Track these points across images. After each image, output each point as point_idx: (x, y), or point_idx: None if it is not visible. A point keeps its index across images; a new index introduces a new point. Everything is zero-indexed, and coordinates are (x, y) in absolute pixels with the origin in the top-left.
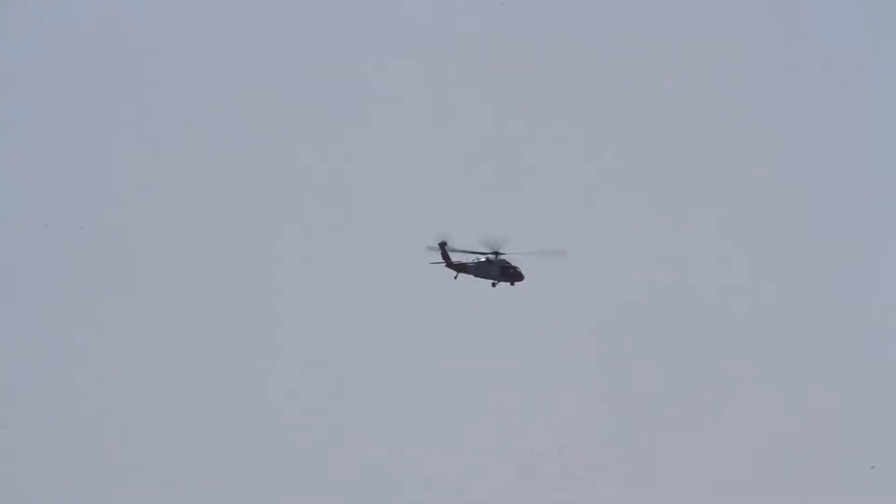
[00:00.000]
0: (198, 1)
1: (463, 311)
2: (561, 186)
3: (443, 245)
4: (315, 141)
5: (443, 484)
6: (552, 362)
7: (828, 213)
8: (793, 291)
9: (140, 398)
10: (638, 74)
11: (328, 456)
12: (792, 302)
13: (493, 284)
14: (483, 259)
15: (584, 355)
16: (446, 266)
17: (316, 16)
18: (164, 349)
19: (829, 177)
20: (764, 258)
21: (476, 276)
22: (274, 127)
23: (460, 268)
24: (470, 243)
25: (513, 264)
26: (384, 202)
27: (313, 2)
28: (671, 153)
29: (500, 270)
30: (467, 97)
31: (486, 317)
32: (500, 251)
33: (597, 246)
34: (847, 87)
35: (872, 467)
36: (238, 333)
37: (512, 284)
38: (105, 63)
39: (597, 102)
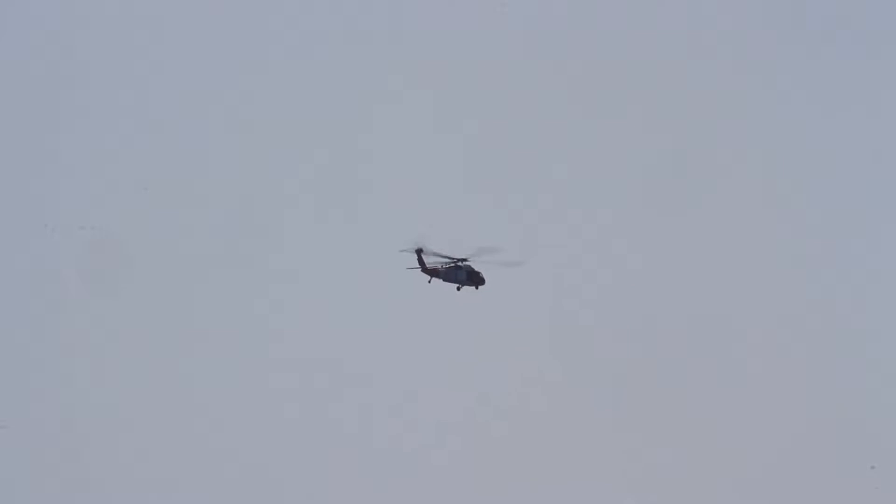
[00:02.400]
0: (198, 1)
1: (435, 311)
2: (560, 186)
3: (419, 252)
4: (315, 141)
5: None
6: (527, 359)
7: (827, 213)
8: (792, 291)
9: (140, 398)
10: (638, 74)
11: (310, 450)
12: (791, 301)
13: (458, 288)
14: (452, 265)
15: (567, 353)
16: (421, 271)
17: (316, 15)
18: (164, 349)
19: (828, 176)
20: (762, 258)
21: (445, 280)
22: (273, 127)
23: (433, 272)
24: (442, 250)
25: (476, 270)
26: (383, 202)
27: (313, 1)
28: (671, 153)
29: (466, 275)
30: (467, 97)
31: (455, 316)
32: (466, 258)
33: (593, 245)
34: (848, 87)
35: (872, 467)
36: (237, 332)
37: (476, 288)
38: (105, 62)
39: (597, 102)
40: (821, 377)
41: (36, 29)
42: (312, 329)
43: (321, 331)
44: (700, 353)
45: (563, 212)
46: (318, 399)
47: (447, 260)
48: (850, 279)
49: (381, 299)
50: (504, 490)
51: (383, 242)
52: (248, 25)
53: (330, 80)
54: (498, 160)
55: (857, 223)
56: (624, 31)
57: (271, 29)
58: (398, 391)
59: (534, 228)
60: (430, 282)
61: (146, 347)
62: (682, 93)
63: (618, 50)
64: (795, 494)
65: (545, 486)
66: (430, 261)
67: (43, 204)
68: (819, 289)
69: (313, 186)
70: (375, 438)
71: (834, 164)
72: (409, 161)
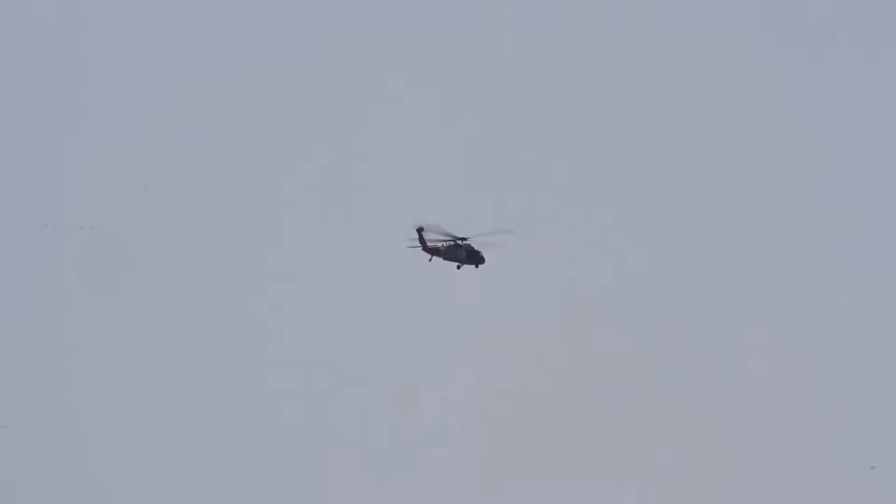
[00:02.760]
0: (198, 1)
1: (435, 311)
2: (560, 186)
3: (420, 230)
4: (315, 141)
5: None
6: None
7: (827, 213)
8: (792, 291)
9: (140, 398)
10: (638, 74)
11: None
12: (791, 301)
13: (458, 267)
14: (452, 244)
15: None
16: (422, 249)
17: (316, 15)
18: (164, 349)
19: (828, 176)
20: (762, 258)
21: (446, 259)
22: (273, 127)
23: (433, 251)
24: (443, 228)
25: (476, 249)
26: (383, 202)
27: (313, 1)
28: (671, 153)
29: (466, 254)
30: (467, 97)
31: (455, 316)
32: (465, 237)
33: (592, 243)
34: (848, 87)
35: (872, 467)
36: (237, 332)
37: (476, 267)
38: (105, 62)
39: (597, 102)
40: (821, 377)
41: (36, 29)
42: (312, 329)
43: (321, 331)
44: (700, 353)
45: (563, 212)
46: (318, 399)
47: (448, 238)
48: (850, 279)
49: (381, 299)
50: (503, 489)
51: (383, 242)
52: (249, 25)
53: (330, 80)
54: (498, 160)
55: (857, 223)
56: (624, 31)
57: (271, 29)
58: (398, 390)
59: (534, 228)
60: (430, 260)
61: (146, 347)
62: (682, 93)
63: (618, 50)
64: (795, 494)
65: (545, 484)
66: (430, 239)
67: (43, 204)
68: (819, 289)
69: (313, 186)
70: (375, 438)
71: (834, 164)
72: (409, 161)
